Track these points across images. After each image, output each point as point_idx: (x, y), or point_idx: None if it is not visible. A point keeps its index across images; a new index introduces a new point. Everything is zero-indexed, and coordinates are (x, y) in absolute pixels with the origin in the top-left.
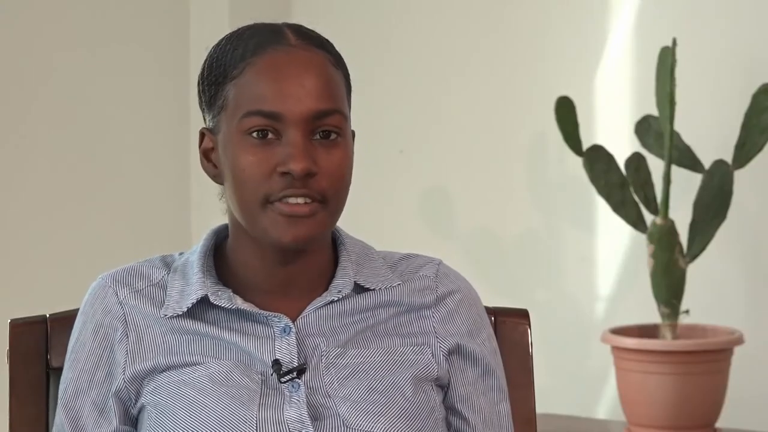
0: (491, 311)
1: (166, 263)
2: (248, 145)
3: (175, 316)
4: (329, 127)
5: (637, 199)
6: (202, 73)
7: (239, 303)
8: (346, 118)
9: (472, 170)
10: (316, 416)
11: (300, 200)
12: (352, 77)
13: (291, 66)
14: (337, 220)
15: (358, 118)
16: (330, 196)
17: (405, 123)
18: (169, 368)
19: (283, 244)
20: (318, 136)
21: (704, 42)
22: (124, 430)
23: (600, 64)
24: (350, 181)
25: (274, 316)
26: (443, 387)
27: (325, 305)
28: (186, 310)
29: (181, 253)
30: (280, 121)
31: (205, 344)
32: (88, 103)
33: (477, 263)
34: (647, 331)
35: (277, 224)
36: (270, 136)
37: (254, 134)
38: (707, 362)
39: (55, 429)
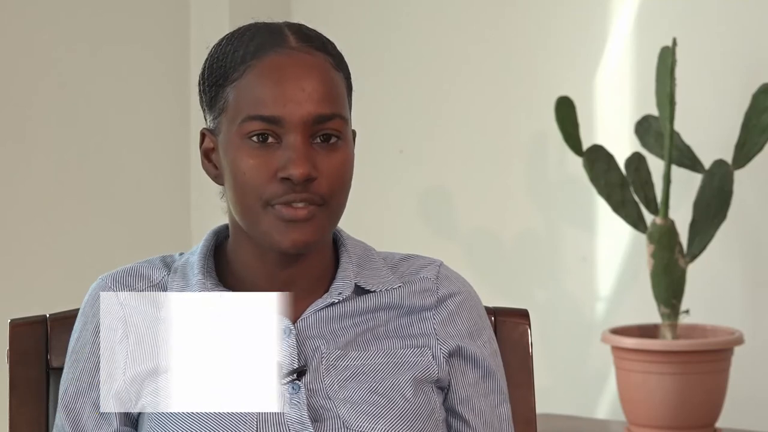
0: (491, 311)
1: (166, 264)
2: (248, 148)
3: None
4: (330, 131)
5: (637, 199)
6: (202, 74)
7: None
8: (346, 122)
9: (472, 170)
10: (316, 418)
11: (300, 204)
12: (352, 77)
13: (291, 69)
14: (336, 223)
15: (358, 118)
16: (330, 199)
17: (405, 123)
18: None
19: (283, 249)
20: (318, 140)
21: (704, 42)
22: (125, 431)
23: (600, 64)
24: (350, 183)
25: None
26: (443, 389)
27: (325, 307)
28: None
29: (181, 254)
30: (281, 126)
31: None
32: (88, 103)
33: (477, 263)
34: (647, 331)
35: (276, 228)
36: (270, 140)
37: (254, 138)
38: (707, 362)
39: (56, 430)
